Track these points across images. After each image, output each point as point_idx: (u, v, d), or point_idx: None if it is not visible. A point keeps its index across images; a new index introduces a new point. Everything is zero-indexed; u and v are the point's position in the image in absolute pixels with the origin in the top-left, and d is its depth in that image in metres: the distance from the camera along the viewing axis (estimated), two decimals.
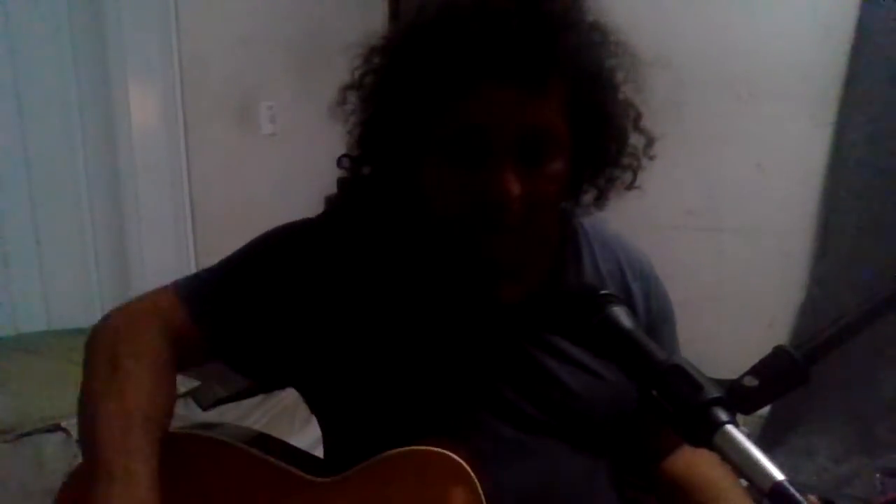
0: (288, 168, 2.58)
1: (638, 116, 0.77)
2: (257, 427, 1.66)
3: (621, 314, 0.61)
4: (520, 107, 0.68)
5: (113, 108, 2.11)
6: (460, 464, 0.69)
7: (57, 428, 1.64)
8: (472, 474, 0.69)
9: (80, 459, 1.66)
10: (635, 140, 0.77)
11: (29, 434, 1.60)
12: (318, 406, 0.87)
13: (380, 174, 0.80)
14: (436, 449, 0.70)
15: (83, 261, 2.13)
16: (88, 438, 0.71)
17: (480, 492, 0.69)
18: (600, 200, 0.81)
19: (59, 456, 1.57)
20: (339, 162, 0.84)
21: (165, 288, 0.82)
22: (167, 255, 2.28)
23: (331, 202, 0.90)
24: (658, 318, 0.87)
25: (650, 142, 0.78)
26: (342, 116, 0.81)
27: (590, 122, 0.73)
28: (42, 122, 1.97)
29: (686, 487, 0.84)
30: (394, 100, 0.73)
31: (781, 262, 2.41)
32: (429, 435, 0.73)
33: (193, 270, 2.69)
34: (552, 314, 0.75)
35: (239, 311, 0.79)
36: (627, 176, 0.79)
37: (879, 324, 0.60)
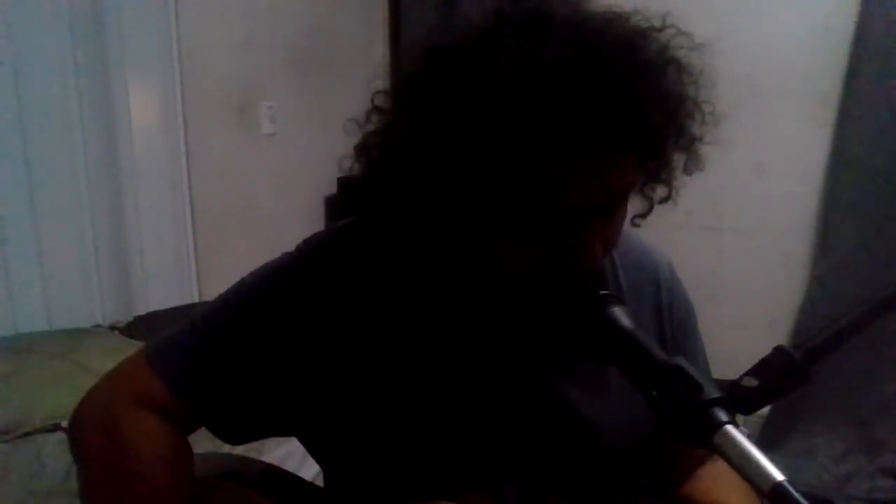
0: (288, 168, 2.58)
1: (692, 142, 0.69)
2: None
3: (621, 314, 0.61)
4: (615, 175, 0.62)
5: (113, 108, 2.10)
6: None
7: (57, 428, 1.64)
8: None
9: None
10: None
11: (29, 434, 1.60)
12: (319, 453, 0.81)
13: (405, 216, 0.68)
14: None
15: (83, 261, 2.12)
16: None
17: None
18: (633, 219, 0.75)
19: (59, 456, 1.57)
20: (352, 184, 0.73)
21: (137, 361, 0.75)
22: (167, 255, 2.28)
23: (314, 242, 0.77)
24: (683, 320, 0.84)
25: (692, 159, 0.71)
26: (355, 127, 0.71)
27: (655, 163, 0.67)
28: (42, 122, 1.97)
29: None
30: (459, 164, 0.60)
31: (781, 262, 2.41)
32: (439, 475, 0.69)
33: (193, 270, 2.67)
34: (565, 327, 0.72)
35: (223, 379, 0.72)
36: (663, 191, 0.73)
37: (879, 324, 0.60)
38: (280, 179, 2.56)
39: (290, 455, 1.45)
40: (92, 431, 0.74)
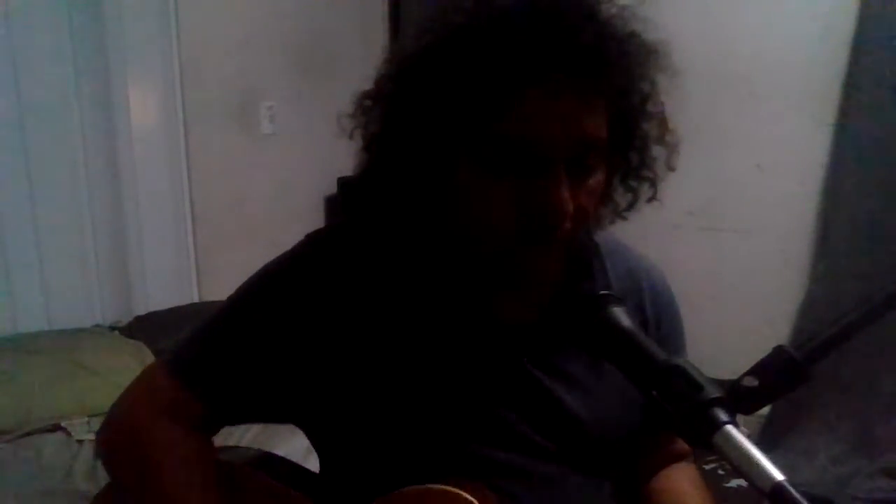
0: (288, 168, 2.58)
1: (664, 128, 0.74)
2: (255, 429, 1.66)
3: (621, 314, 0.61)
4: (574, 116, 0.65)
5: (113, 108, 2.11)
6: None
7: (57, 428, 1.64)
8: None
9: (80, 459, 1.66)
10: (657, 152, 0.75)
11: (29, 434, 1.60)
12: (319, 439, 0.84)
13: (396, 185, 0.73)
14: (451, 489, 0.68)
15: (83, 261, 2.13)
16: None
17: None
18: (619, 213, 0.77)
19: (59, 456, 1.57)
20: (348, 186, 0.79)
21: (157, 373, 0.79)
22: (167, 255, 2.28)
23: (316, 234, 0.81)
24: (668, 334, 0.84)
25: (672, 152, 0.75)
26: (354, 125, 0.75)
27: (622, 133, 0.70)
28: (42, 122, 1.97)
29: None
30: (429, 104, 0.67)
31: (781, 262, 2.41)
32: (431, 465, 0.71)
33: (193, 270, 2.68)
34: (554, 323, 0.74)
35: (237, 373, 0.76)
36: (647, 188, 0.76)
37: (879, 324, 0.60)
38: (280, 179, 2.56)
39: (289, 455, 1.45)
40: (122, 450, 0.78)
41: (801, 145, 2.33)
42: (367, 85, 0.75)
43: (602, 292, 0.63)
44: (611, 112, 0.67)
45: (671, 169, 0.75)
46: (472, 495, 0.68)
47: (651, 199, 0.76)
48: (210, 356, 0.77)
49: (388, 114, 0.72)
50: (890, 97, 2.14)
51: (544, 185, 0.64)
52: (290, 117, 2.55)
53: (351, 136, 0.75)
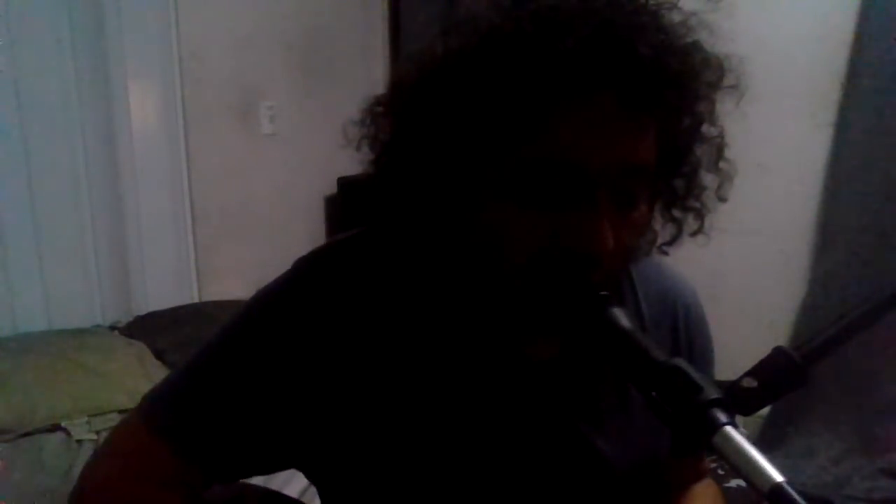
0: (288, 168, 2.58)
1: (720, 154, 0.66)
2: None
3: (620, 315, 0.60)
4: (623, 139, 0.56)
5: (113, 108, 2.11)
6: None
7: (57, 428, 1.64)
8: None
9: (80, 459, 1.66)
10: (707, 180, 0.65)
11: (29, 434, 1.60)
12: (322, 483, 0.75)
13: (409, 207, 0.64)
14: None
15: (83, 261, 2.12)
16: None
17: None
18: (660, 247, 0.69)
19: (59, 456, 1.57)
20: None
21: (136, 432, 0.67)
22: (167, 255, 2.28)
23: (309, 259, 0.70)
24: (702, 354, 0.81)
25: (725, 181, 0.67)
26: (363, 134, 0.66)
27: (671, 157, 0.62)
28: (42, 122, 1.97)
29: None
30: (452, 117, 0.57)
31: (781, 262, 2.41)
32: None
33: (193, 270, 2.68)
34: (579, 357, 0.68)
35: (226, 427, 0.66)
36: (692, 220, 0.67)
37: (879, 324, 0.60)
38: (280, 179, 2.56)
39: (287, 482, 1.44)
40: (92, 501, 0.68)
41: (801, 145, 2.33)
42: (374, 88, 0.67)
43: (602, 293, 0.62)
44: (661, 133, 0.59)
45: (722, 200, 0.66)
46: None
47: (696, 233, 0.67)
48: (199, 410, 0.66)
49: (404, 125, 0.62)
50: (890, 97, 2.14)
51: (583, 217, 0.55)
52: (290, 117, 2.55)
53: (358, 148, 0.66)
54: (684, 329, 0.79)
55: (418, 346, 0.66)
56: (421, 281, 0.66)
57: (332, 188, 2.66)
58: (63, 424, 1.64)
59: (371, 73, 2.84)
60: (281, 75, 2.53)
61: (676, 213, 0.66)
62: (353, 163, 0.72)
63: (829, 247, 2.31)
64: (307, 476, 0.75)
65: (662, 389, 0.54)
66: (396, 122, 0.63)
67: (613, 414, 0.72)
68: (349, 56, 2.75)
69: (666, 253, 0.68)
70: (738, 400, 0.53)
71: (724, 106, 0.67)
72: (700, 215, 0.66)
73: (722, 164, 0.65)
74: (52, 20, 1.96)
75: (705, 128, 0.63)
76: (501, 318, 0.66)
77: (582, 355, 0.69)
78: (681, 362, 0.54)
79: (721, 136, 0.65)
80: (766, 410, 2.25)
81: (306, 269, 0.69)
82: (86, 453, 1.58)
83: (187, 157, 2.27)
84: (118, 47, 2.07)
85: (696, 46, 0.58)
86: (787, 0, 2.30)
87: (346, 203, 2.61)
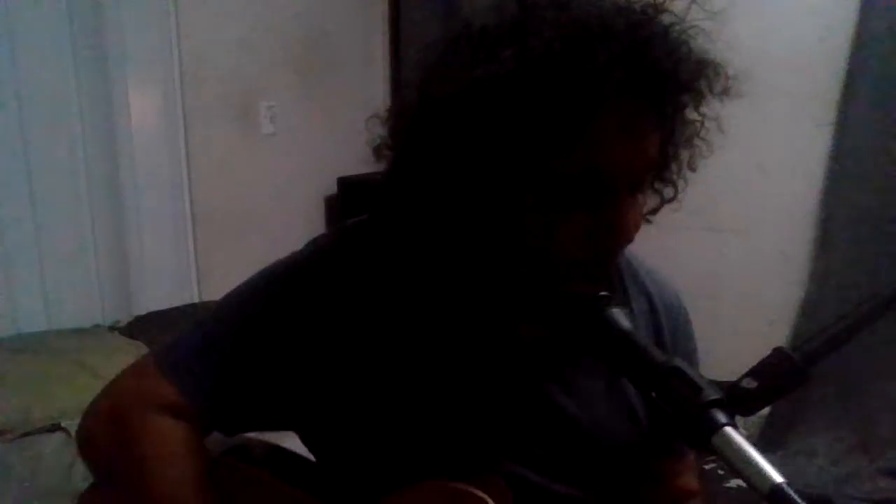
0: (288, 168, 2.58)
1: (697, 133, 0.72)
2: None
3: (620, 316, 0.60)
4: (644, 143, 0.63)
5: (113, 108, 2.10)
6: (484, 499, 0.66)
7: (57, 428, 1.64)
8: None
9: (79, 459, 1.66)
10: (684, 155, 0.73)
11: (29, 434, 1.60)
12: (319, 446, 0.80)
13: (435, 206, 0.67)
14: (462, 486, 0.67)
15: (83, 261, 2.12)
16: None
17: None
18: (645, 216, 0.74)
19: (59, 456, 1.57)
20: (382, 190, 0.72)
21: (145, 366, 0.74)
22: (167, 255, 2.28)
23: (322, 240, 0.77)
24: (685, 350, 0.83)
25: (695, 154, 0.73)
26: (390, 137, 0.70)
27: (667, 142, 0.69)
28: (42, 122, 1.97)
29: None
30: (490, 131, 0.61)
31: (781, 262, 2.41)
32: (437, 474, 0.69)
33: (193, 270, 2.68)
34: (569, 338, 0.71)
35: (233, 380, 0.72)
36: (670, 190, 0.74)
37: (879, 324, 0.60)
38: (280, 179, 2.56)
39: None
40: (103, 439, 0.73)
41: (801, 145, 2.33)
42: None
43: (601, 293, 0.63)
44: (664, 129, 0.66)
45: (692, 169, 0.74)
46: (487, 491, 0.66)
47: (671, 200, 0.74)
48: (208, 359, 0.72)
49: (441, 138, 0.64)
50: (889, 97, 2.14)
51: (615, 212, 0.63)
52: (290, 117, 2.55)
53: (378, 157, 0.71)
54: (669, 331, 0.81)
55: (419, 318, 0.71)
56: (430, 267, 0.72)
57: (332, 188, 2.67)
58: (63, 424, 1.64)
59: (371, 74, 2.84)
60: (281, 75, 2.53)
61: (658, 185, 0.73)
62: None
63: (828, 247, 2.31)
64: (301, 437, 0.80)
65: (662, 390, 0.54)
66: (428, 137, 0.65)
67: (582, 378, 0.75)
68: (349, 56, 2.75)
69: (649, 221, 0.74)
70: (738, 400, 0.54)
71: (725, 108, 0.70)
72: (675, 186, 0.74)
73: (696, 142, 0.72)
74: (53, 20, 1.96)
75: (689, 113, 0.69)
76: (508, 300, 0.72)
77: (569, 340, 0.71)
78: (680, 363, 0.55)
79: (701, 120, 0.71)
80: (766, 411, 2.26)
81: (322, 245, 0.76)
82: None
83: (187, 156, 2.27)
84: (118, 47, 2.07)
85: (704, 55, 0.65)
86: (788, 0, 2.30)
87: (346, 203, 2.61)
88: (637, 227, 0.66)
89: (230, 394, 0.72)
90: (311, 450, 0.81)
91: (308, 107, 2.60)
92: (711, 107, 0.69)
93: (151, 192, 2.21)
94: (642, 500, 0.84)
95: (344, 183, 2.59)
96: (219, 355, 0.72)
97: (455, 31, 0.65)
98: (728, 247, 2.48)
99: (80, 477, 1.51)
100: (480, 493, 0.66)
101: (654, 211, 0.74)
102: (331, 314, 0.71)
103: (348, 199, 2.59)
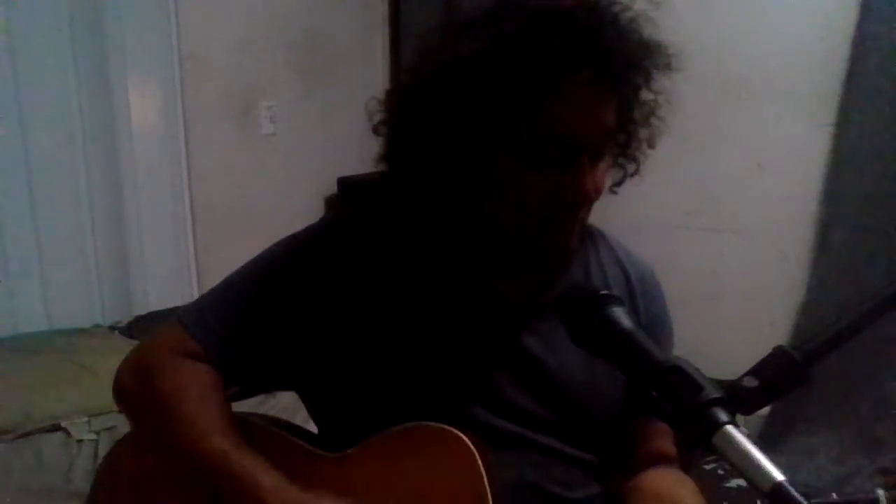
0: (288, 168, 2.58)
1: (651, 112, 0.81)
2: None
3: (621, 315, 0.61)
4: (603, 110, 0.73)
5: (113, 108, 2.11)
6: (459, 437, 0.71)
7: (57, 428, 1.64)
8: (473, 448, 0.71)
9: (80, 459, 1.65)
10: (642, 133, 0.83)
11: (29, 434, 1.60)
12: (316, 406, 0.89)
13: (426, 174, 0.79)
14: (436, 424, 0.74)
15: (83, 261, 2.13)
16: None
17: (480, 464, 0.70)
18: (610, 189, 0.84)
19: (59, 456, 1.57)
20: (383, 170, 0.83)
21: (170, 325, 0.84)
22: (167, 255, 2.28)
23: (337, 207, 0.90)
24: (656, 323, 0.88)
25: (654, 133, 0.82)
26: (387, 112, 0.81)
27: (622, 121, 0.78)
28: (42, 122, 1.97)
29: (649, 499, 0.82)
30: (474, 102, 0.73)
31: (781, 262, 2.41)
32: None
33: (193, 270, 2.68)
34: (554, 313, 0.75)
35: (249, 336, 0.81)
36: (632, 166, 0.84)
37: (879, 324, 0.60)
38: (280, 179, 2.56)
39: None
40: (134, 384, 0.83)
41: (801, 145, 2.33)
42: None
43: (603, 292, 0.63)
44: (619, 103, 0.76)
45: (651, 147, 0.83)
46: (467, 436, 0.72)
47: (634, 174, 0.84)
48: (226, 316, 0.81)
49: (431, 109, 0.75)
50: (890, 97, 2.14)
51: (576, 173, 0.73)
52: (290, 117, 2.55)
53: (376, 131, 0.81)
54: (641, 294, 0.88)
55: (413, 287, 0.81)
56: (424, 235, 0.83)
57: (331, 188, 2.67)
58: (63, 424, 1.65)
59: (371, 73, 2.84)
60: (281, 75, 2.53)
61: (621, 161, 0.83)
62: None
63: (828, 247, 2.31)
64: (301, 395, 0.89)
65: (663, 389, 0.54)
66: (420, 109, 0.77)
67: (554, 328, 0.77)
68: (349, 56, 2.75)
69: (614, 192, 0.85)
70: (738, 399, 0.54)
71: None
72: (637, 162, 0.84)
73: (653, 121, 0.81)
74: (53, 20, 1.96)
75: (643, 94, 0.79)
76: (491, 259, 0.82)
77: (550, 298, 0.79)
78: (681, 361, 0.55)
79: (655, 100, 0.80)
80: (766, 410, 2.26)
81: (329, 220, 0.88)
82: (86, 453, 1.58)
83: (187, 156, 2.27)
84: (118, 47, 2.07)
85: (648, 38, 0.75)
86: (788, 0, 2.30)
87: (346, 203, 2.61)
88: (599, 192, 0.76)
89: (245, 349, 0.81)
90: (308, 407, 0.90)
91: (308, 107, 2.60)
92: (662, 86, 0.78)
93: (151, 191, 2.21)
94: (618, 457, 0.86)
95: (344, 183, 2.59)
96: (236, 314, 0.82)
97: (445, 22, 0.78)
98: (728, 247, 2.48)
99: (80, 477, 1.51)
100: (457, 432, 0.72)
101: (619, 183, 0.85)
102: (334, 280, 0.80)
103: (348, 199, 2.59)
